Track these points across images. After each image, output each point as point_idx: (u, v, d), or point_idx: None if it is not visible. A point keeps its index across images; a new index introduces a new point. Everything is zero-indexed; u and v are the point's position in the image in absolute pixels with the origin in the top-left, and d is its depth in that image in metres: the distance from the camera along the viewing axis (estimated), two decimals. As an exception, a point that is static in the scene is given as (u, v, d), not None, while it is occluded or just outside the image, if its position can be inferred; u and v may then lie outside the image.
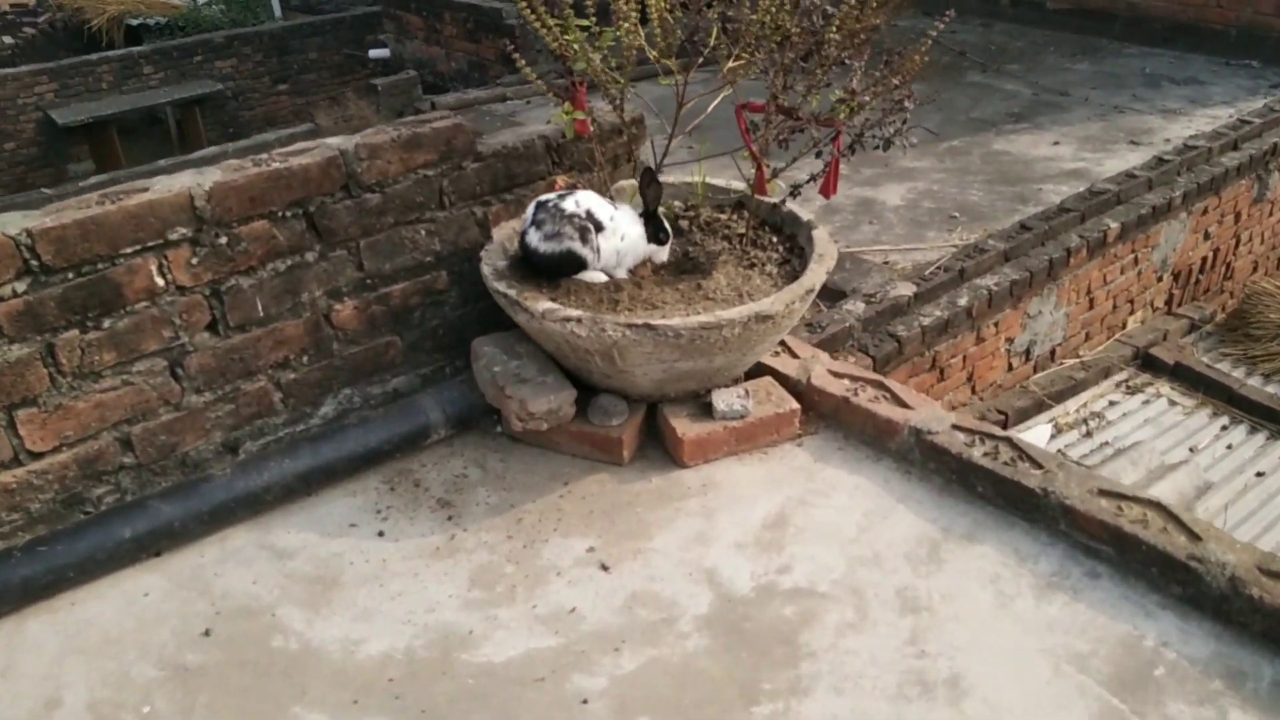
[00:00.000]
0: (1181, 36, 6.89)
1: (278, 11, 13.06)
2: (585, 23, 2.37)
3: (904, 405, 2.50)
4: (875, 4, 2.31)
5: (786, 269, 2.56)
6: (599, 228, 2.41)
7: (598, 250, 2.42)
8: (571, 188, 2.61)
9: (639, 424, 2.51)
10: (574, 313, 2.29)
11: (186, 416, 2.38)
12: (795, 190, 2.59)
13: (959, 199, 4.87)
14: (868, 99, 2.31)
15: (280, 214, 2.38)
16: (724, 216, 2.74)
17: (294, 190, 2.38)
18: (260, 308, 2.42)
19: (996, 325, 4.58)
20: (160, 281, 2.25)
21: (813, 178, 2.54)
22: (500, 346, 2.59)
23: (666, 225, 2.53)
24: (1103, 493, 2.20)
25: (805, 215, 2.67)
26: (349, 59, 11.27)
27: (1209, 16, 6.82)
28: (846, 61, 2.36)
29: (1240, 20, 6.68)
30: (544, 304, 2.33)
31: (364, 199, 2.50)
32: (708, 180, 2.84)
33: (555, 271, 2.44)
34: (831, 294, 4.65)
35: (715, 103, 2.53)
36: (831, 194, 2.55)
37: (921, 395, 2.56)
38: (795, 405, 2.53)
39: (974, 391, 4.81)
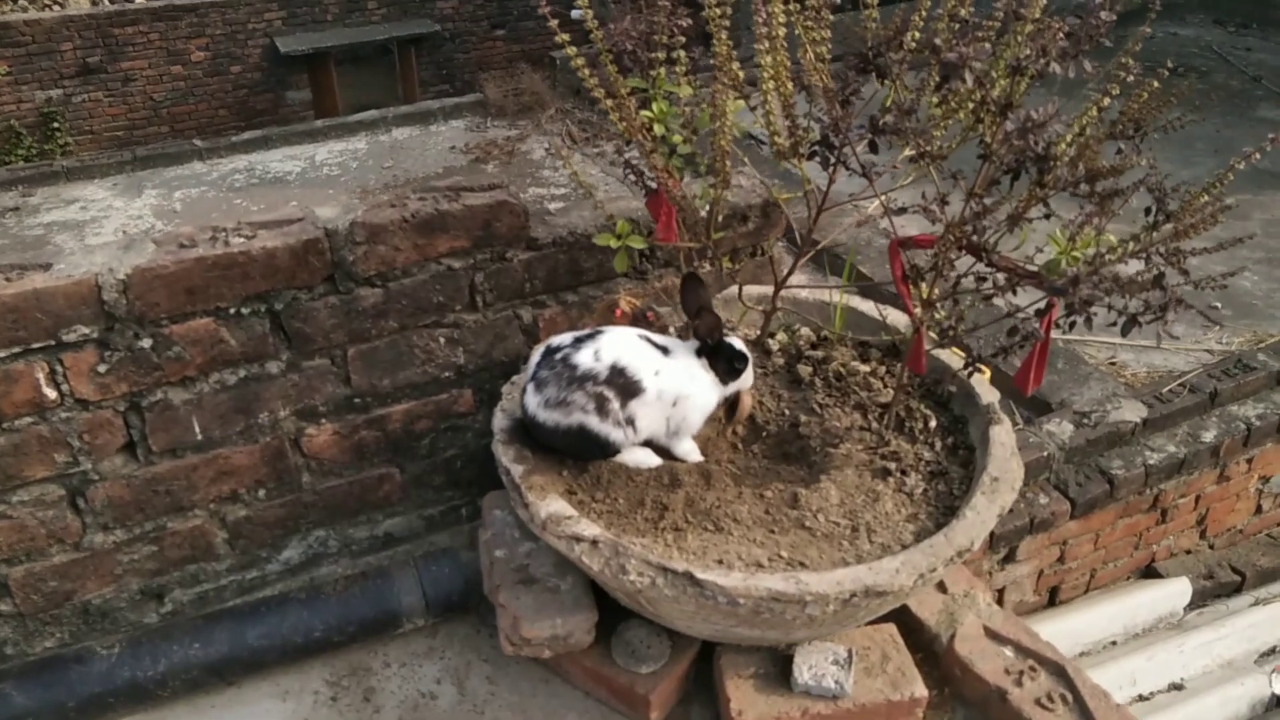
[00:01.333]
0: None
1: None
2: (675, 87, 1.55)
3: (1093, 730, 1.58)
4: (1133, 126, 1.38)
5: (938, 487, 1.67)
6: (632, 392, 1.62)
7: (630, 423, 1.63)
8: (642, 316, 1.82)
9: (681, 674, 1.72)
10: (587, 531, 1.52)
11: (88, 559, 1.81)
12: (973, 362, 1.69)
13: (1225, 281, 3.72)
14: (1105, 266, 1.39)
15: (232, 311, 1.74)
16: (866, 369, 1.87)
17: (253, 281, 1.73)
18: (198, 429, 1.80)
19: (1249, 462, 3.52)
20: (51, 393, 1.66)
21: (1002, 351, 1.63)
22: (516, 516, 1.86)
23: (741, 347, 1.70)
24: None
25: (986, 395, 1.76)
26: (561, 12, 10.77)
27: None
28: (1076, 195, 1.43)
29: None
30: (550, 504, 1.57)
31: (356, 295, 1.82)
32: (850, 304, 1.97)
33: (569, 452, 1.67)
34: (1034, 403, 3.64)
35: (864, 217, 1.66)
36: (1034, 387, 1.65)
37: (1123, 710, 1.63)
38: (921, 692, 1.65)
39: (1203, 536, 3.77)
